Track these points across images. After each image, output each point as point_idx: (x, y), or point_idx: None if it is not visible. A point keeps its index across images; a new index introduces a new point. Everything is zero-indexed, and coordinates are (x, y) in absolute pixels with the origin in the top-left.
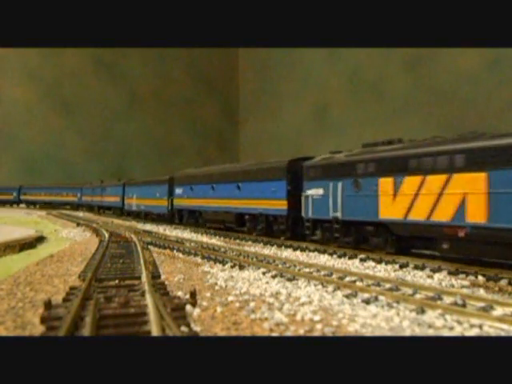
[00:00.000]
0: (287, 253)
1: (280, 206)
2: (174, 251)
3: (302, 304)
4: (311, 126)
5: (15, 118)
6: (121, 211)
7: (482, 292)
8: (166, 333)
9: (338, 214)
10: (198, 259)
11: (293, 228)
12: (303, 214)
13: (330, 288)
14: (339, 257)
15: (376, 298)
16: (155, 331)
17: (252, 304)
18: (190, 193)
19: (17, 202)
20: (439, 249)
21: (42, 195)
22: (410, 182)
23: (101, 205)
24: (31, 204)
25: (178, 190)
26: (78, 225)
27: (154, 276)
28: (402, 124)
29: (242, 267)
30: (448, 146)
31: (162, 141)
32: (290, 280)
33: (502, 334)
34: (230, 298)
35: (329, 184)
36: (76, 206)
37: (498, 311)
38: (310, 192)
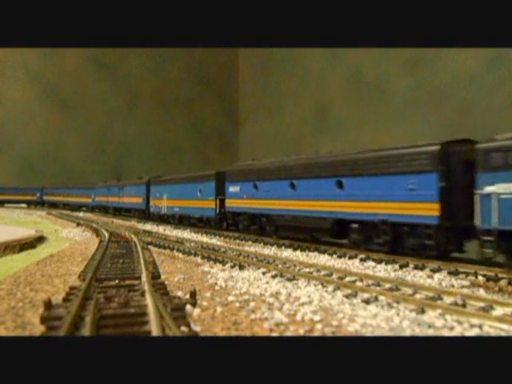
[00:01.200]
0: (287, 253)
1: (424, 210)
2: (174, 251)
3: (302, 304)
4: (311, 125)
5: (15, 118)
6: (144, 214)
7: (481, 292)
8: (166, 333)
9: None
10: (198, 259)
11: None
12: (478, 223)
13: (330, 288)
14: (339, 257)
15: (376, 298)
16: (155, 331)
17: (252, 304)
18: (253, 192)
19: (40, 203)
20: None
21: (61, 195)
22: None
23: (118, 206)
24: (53, 205)
25: (233, 188)
26: (78, 225)
27: (154, 276)
28: (403, 124)
29: (242, 267)
30: None
31: (162, 141)
32: (289, 280)
33: (502, 334)
34: (230, 298)
35: None
36: (91, 208)
37: (498, 311)
38: (491, 189)
